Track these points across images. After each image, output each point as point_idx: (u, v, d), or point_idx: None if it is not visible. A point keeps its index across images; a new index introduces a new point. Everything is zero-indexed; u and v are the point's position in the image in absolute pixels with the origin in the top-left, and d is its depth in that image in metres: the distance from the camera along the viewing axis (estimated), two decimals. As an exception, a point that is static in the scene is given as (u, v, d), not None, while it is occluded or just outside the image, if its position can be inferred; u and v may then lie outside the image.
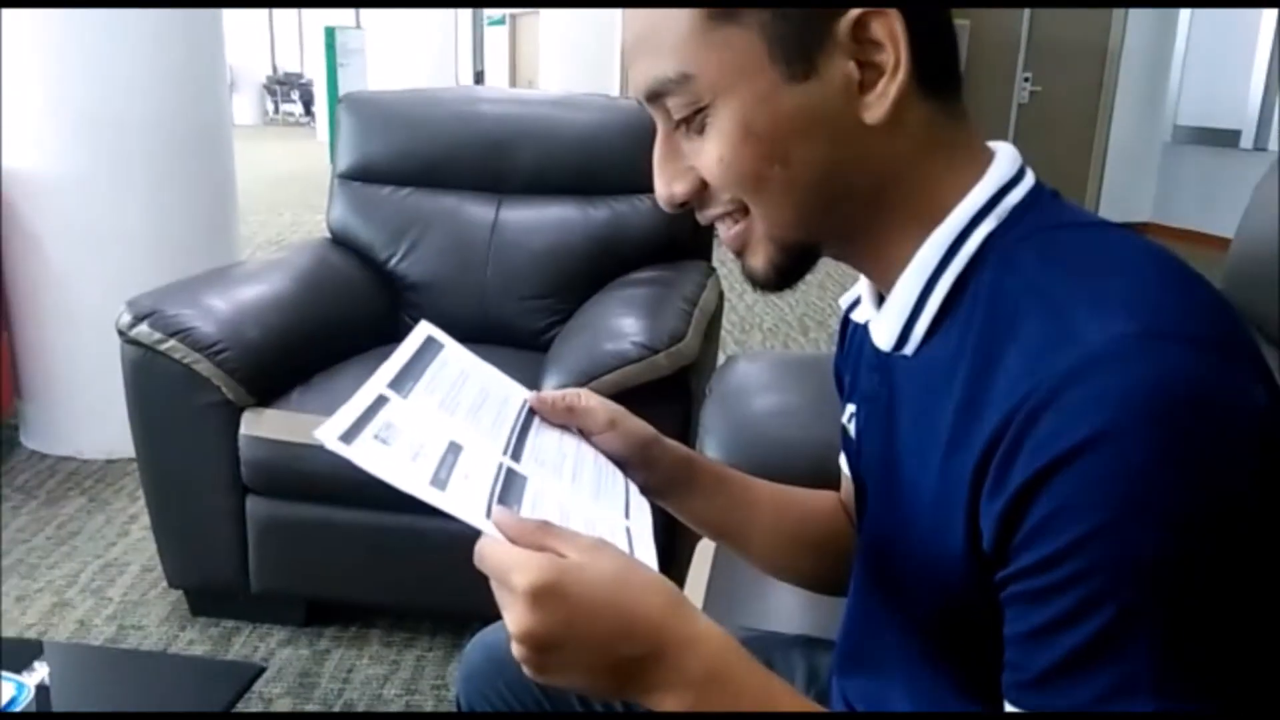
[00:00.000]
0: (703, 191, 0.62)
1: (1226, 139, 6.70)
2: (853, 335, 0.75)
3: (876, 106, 0.56)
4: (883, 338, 0.62)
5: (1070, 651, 0.47)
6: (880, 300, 0.63)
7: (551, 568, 0.52)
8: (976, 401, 0.53)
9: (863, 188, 0.59)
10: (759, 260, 0.62)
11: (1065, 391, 0.47)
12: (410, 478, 0.56)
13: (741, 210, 0.61)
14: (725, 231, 0.63)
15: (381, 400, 0.63)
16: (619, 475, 0.75)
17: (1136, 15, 7.32)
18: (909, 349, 0.61)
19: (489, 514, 0.57)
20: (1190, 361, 0.47)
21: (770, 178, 0.58)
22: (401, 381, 0.66)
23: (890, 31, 0.55)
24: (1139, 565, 0.46)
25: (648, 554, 0.63)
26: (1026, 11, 7.52)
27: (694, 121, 0.59)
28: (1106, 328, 0.48)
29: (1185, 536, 0.46)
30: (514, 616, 0.53)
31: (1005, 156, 0.60)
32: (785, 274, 0.63)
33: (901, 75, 0.56)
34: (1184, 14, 7.03)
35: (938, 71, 0.58)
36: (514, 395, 0.76)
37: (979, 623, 0.55)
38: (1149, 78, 7.41)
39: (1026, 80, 7.62)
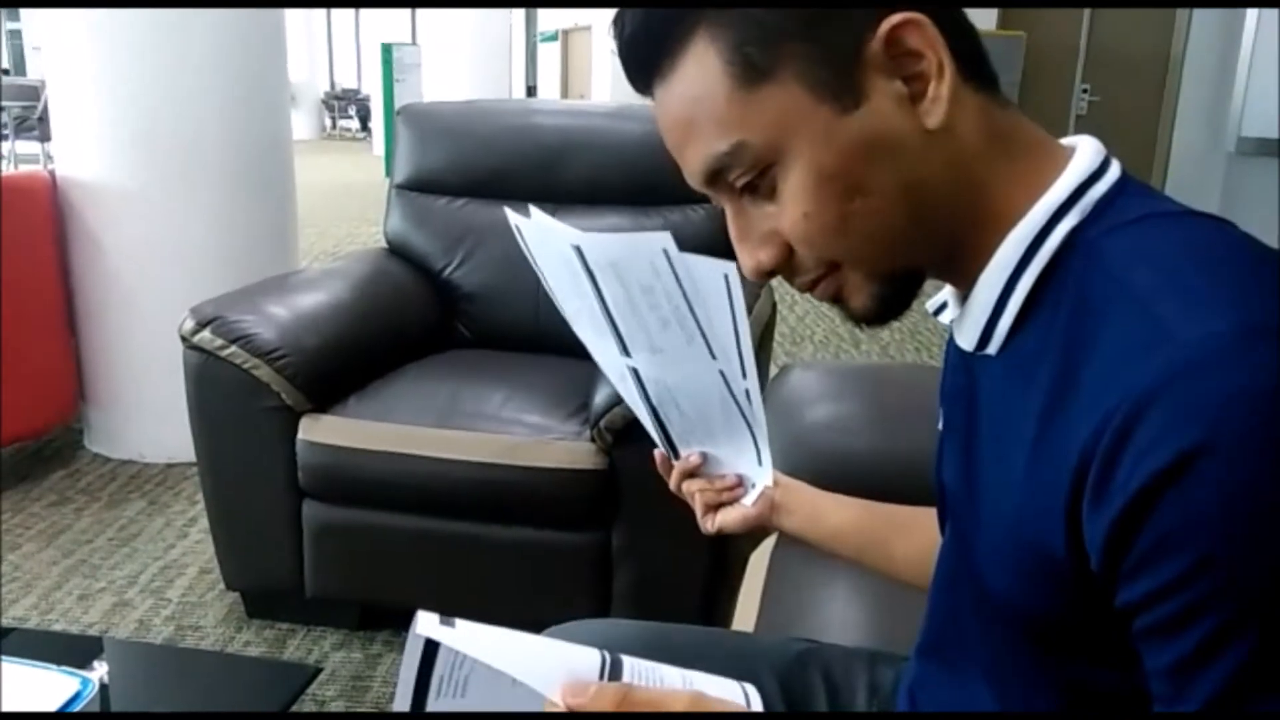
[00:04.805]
0: (789, 257, 0.61)
1: (1294, 150, 6.49)
2: (949, 339, 0.75)
3: (934, 111, 0.56)
4: (966, 338, 0.61)
5: (1231, 675, 0.46)
6: (964, 301, 0.62)
7: None
8: (1064, 401, 0.51)
9: (940, 195, 0.58)
10: (860, 300, 0.61)
11: (1162, 397, 0.46)
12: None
13: (832, 268, 0.61)
14: (816, 290, 0.62)
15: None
16: None
17: (1199, 23, 7.14)
18: (992, 348, 0.60)
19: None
20: None
21: (854, 214, 0.57)
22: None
23: (924, 37, 0.55)
24: (1267, 578, 0.45)
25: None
26: (1085, 21, 7.38)
27: (761, 186, 0.59)
28: (1198, 325, 0.47)
29: None
30: None
31: (1087, 149, 0.59)
32: (891, 304, 0.62)
33: (948, 74, 0.56)
34: (1250, 21, 6.84)
35: (975, 62, 0.58)
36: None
37: (1070, 621, 0.53)
38: (1212, 87, 7.20)
39: (1085, 91, 7.47)
